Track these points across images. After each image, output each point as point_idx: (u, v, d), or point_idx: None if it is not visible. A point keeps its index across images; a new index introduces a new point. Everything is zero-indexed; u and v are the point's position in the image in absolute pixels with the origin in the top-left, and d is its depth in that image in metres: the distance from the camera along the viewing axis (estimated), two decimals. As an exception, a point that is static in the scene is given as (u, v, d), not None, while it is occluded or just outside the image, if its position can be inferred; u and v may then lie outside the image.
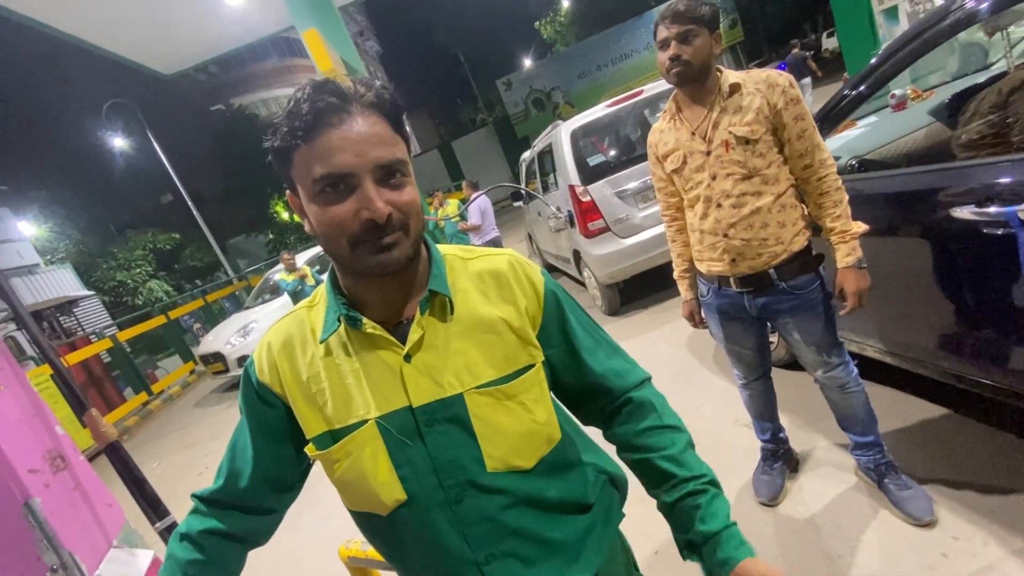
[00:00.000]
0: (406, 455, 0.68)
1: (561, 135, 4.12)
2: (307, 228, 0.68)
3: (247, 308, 8.42)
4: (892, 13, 6.42)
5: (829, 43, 20.03)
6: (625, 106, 4.09)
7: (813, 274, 1.51)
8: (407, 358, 0.67)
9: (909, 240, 1.65)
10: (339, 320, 0.69)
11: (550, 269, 6.82)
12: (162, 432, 6.87)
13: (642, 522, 1.47)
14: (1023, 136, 1.67)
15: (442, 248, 0.77)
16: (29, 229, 17.38)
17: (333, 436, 0.70)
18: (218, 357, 7.24)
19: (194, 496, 0.80)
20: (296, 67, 32.54)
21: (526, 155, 5.96)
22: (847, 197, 1.45)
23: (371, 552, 1.26)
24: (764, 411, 1.87)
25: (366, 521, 0.75)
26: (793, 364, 2.47)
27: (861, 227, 1.44)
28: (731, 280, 1.57)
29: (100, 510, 1.05)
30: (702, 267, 1.63)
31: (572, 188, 3.97)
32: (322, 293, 0.75)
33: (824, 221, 1.46)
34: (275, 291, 7.70)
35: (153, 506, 1.09)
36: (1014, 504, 1.52)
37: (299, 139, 0.60)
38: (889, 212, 1.68)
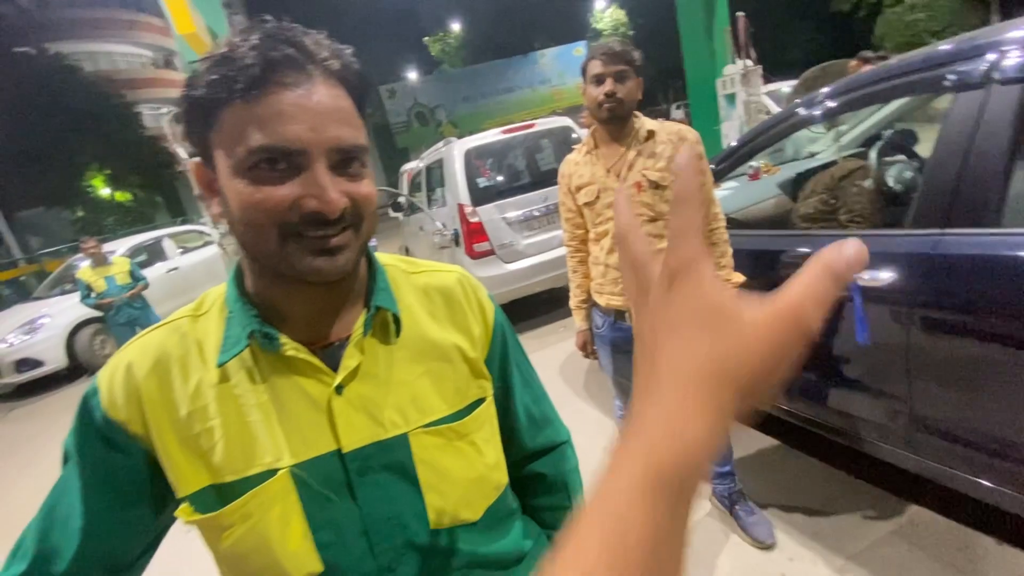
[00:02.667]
0: (328, 515, 0.53)
1: (455, 152, 4.08)
2: (213, 211, 0.51)
3: (37, 299, 6.80)
4: (731, 99, 7.66)
5: (677, 115, 23.27)
6: (518, 135, 4.20)
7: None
8: (339, 389, 0.54)
9: (760, 294, 1.90)
10: (248, 338, 0.52)
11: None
12: None
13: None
14: (848, 215, 2.03)
15: (381, 257, 0.64)
16: None
17: (222, 493, 0.52)
18: (-17, 359, 5.67)
19: None
20: (141, 24, 27.99)
21: (410, 166, 5.81)
22: (731, 250, 1.61)
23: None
24: (639, 442, 1.97)
25: None
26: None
27: (740, 277, 1.61)
28: (627, 315, 1.63)
29: None
30: (601, 300, 1.67)
31: (461, 207, 3.93)
32: (215, 298, 0.57)
33: (711, 268, 1.60)
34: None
35: None
36: (836, 525, 1.78)
37: (236, 93, 0.45)
38: (746, 266, 1.92)
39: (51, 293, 6.68)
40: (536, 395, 0.74)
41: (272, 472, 0.52)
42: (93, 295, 4.64)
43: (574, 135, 4.42)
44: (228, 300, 0.55)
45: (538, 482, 0.74)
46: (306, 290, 0.52)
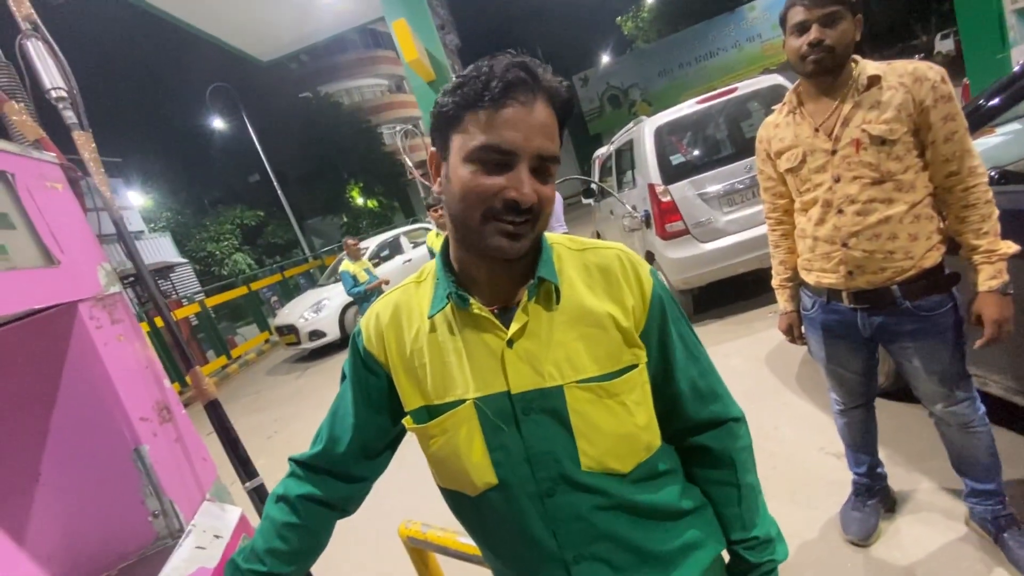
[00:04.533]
0: (500, 440, 0.67)
1: (644, 131, 3.97)
2: (436, 188, 0.68)
3: (320, 286, 8.85)
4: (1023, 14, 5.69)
5: (943, 46, 18.19)
6: (716, 104, 3.88)
7: (946, 295, 1.34)
8: (509, 343, 0.66)
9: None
10: (447, 298, 0.68)
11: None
12: (236, 395, 7.36)
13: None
14: None
15: (550, 236, 0.74)
16: (137, 199, 19.20)
17: (430, 412, 0.70)
18: (291, 329, 7.67)
19: (291, 460, 0.81)
20: (379, 58, 33.74)
21: (601, 151, 5.83)
22: (997, 212, 1.26)
23: (430, 534, 1.25)
24: (862, 442, 1.70)
25: (455, 500, 0.75)
26: (894, 393, 2.24)
27: (1012, 247, 1.25)
28: (844, 295, 1.42)
29: (196, 463, 1.10)
30: (810, 278, 1.49)
31: (652, 187, 3.82)
32: (431, 269, 0.75)
33: (966, 237, 1.28)
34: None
35: (244, 466, 1.13)
36: None
37: (482, 103, 0.59)
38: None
39: (328, 281, 8.65)
40: (703, 369, 0.75)
41: (461, 401, 0.67)
42: (360, 285, 5.87)
43: (786, 96, 3.88)
44: (437, 269, 0.72)
45: (704, 455, 0.75)
46: (491, 263, 0.66)
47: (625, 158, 4.62)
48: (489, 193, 0.60)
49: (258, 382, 7.80)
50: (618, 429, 0.67)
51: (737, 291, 4.23)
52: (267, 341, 10.79)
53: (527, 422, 0.66)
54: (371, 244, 8.33)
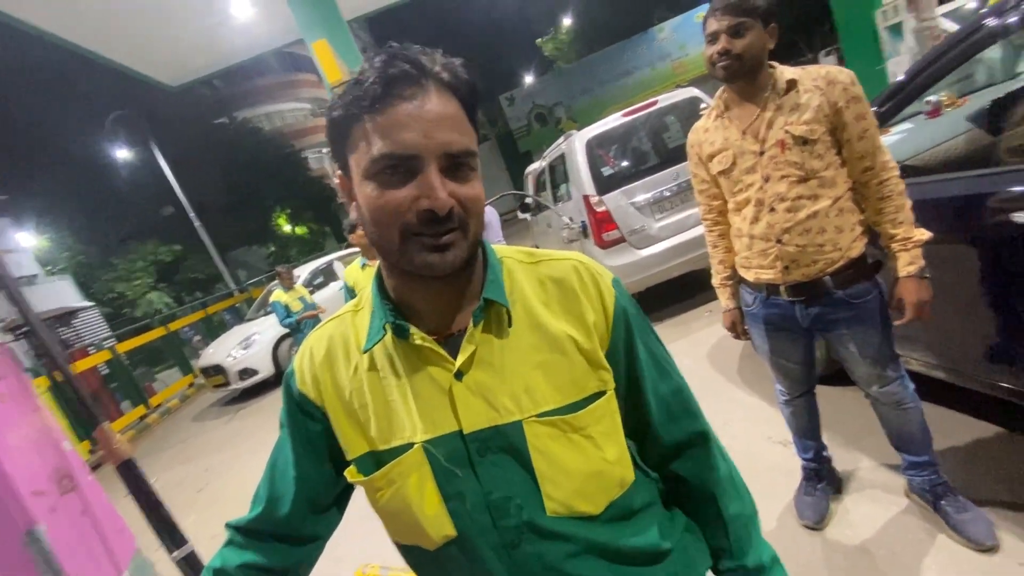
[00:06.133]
0: (455, 487, 0.59)
1: (575, 145, 4.07)
2: (352, 214, 0.59)
3: (248, 320, 8.30)
4: (896, 30, 6.43)
5: (827, 61, 20.24)
6: (640, 116, 4.04)
7: (871, 283, 1.42)
8: (458, 376, 0.59)
9: (962, 248, 1.57)
10: (384, 328, 0.60)
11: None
12: (160, 446, 6.70)
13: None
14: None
15: (499, 249, 0.67)
16: (30, 239, 17.29)
17: (376, 459, 0.62)
18: (219, 370, 7.11)
19: (229, 526, 0.71)
20: (300, 81, 32.82)
21: (533, 167, 5.92)
22: (910, 203, 1.37)
23: (393, 578, 1.16)
24: (807, 429, 1.77)
25: (412, 555, 0.66)
26: (829, 378, 2.37)
27: (925, 234, 1.35)
28: (782, 289, 1.48)
29: (110, 536, 0.95)
30: (749, 275, 1.54)
31: (587, 198, 3.91)
32: (368, 296, 0.66)
33: (884, 227, 1.38)
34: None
35: (170, 532, 0.98)
36: (1087, 530, 1.42)
37: (363, 109, 0.52)
38: (939, 218, 1.60)
39: (257, 315, 8.13)
40: (675, 386, 0.68)
41: (409, 445, 0.59)
42: (293, 314, 5.54)
43: (703, 105, 4.12)
44: (372, 297, 0.64)
45: (682, 486, 0.70)
46: (427, 284, 0.58)
47: (558, 172, 4.71)
48: (401, 208, 0.52)
49: (183, 430, 7.14)
50: (586, 467, 0.60)
51: (674, 294, 4.39)
52: (191, 385, 9.94)
53: (484, 464, 0.58)
54: (303, 272, 7.94)
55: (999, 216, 1.40)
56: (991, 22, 1.49)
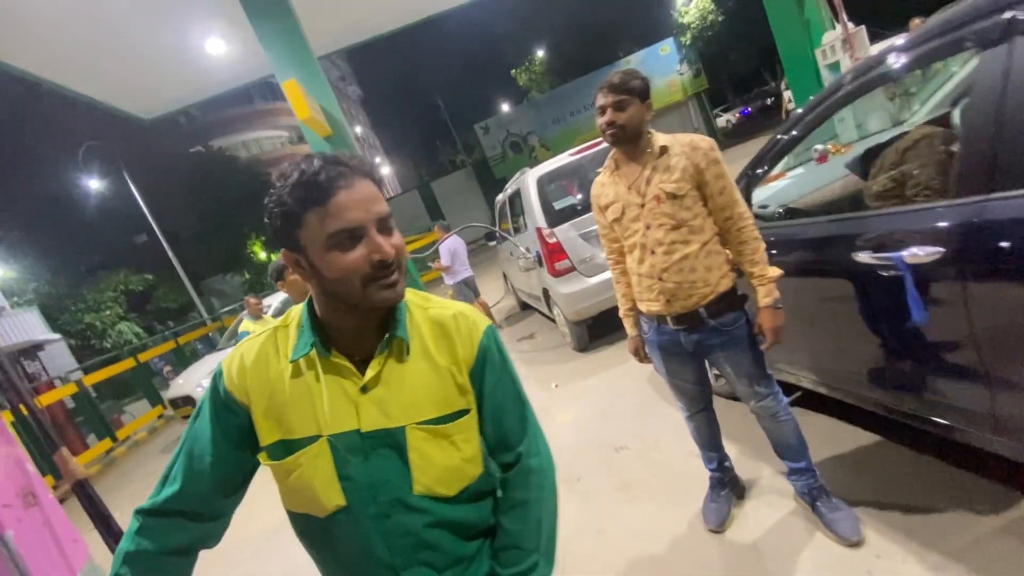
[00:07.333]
0: (348, 470, 0.78)
1: (528, 181, 4.36)
2: (303, 277, 0.77)
3: (220, 349, 8.32)
4: (835, 67, 6.99)
5: (788, 93, 21.33)
6: (587, 154, 4.35)
7: (738, 312, 1.68)
8: (364, 389, 0.78)
9: (828, 281, 1.84)
10: (311, 346, 0.78)
11: (524, 307, 6.94)
12: (126, 479, 6.63)
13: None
14: (914, 190, 1.91)
15: (406, 295, 0.85)
16: (-5, 271, 16.92)
17: (286, 447, 0.79)
18: (188, 401, 7.12)
19: (139, 512, 0.82)
20: (277, 110, 33.06)
21: (500, 197, 6.20)
22: (763, 245, 1.63)
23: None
24: (709, 441, 2.00)
25: (302, 523, 0.84)
26: (742, 396, 2.61)
27: (776, 272, 1.62)
28: (667, 319, 1.72)
29: (67, 545, 1.11)
30: (643, 307, 1.79)
31: (539, 230, 4.17)
32: (296, 315, 0.84)
33: (745, 266, 1.64)
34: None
35: (119, 542, 1.15)
36: (932, 522, 1.66)
37: (315, 202, 0.70)
38: (810, 255, 1.87)
39: (230, 343, 8.17)
40: (511, 418, 0.88)
41: (317, 437, 0.78)
42: None
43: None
44: (302, 319, 0.81)
45: (503, 489, 0.90)
46: (361, 319, 0.78)
47: (516, 204, 4.98)
48: (358, 264, 0.71)
49: (152, 462, 7.07)
50: (447, 462, 0.81)
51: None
52: (160, 416, 9.82)
53: (372, 455, 0.78)
54: (274, 301, 8.01)
55: (848, 255, 1.66)
56: (846, 83, 1.74)
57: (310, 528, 0.84)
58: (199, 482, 0.81)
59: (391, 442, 0.79)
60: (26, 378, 9.61)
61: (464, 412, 0.83)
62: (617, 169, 1.72)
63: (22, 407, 1.21)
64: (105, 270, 20.32)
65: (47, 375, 10.11)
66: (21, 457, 1.10)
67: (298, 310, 0.84)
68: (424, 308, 0.86)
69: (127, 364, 9.97)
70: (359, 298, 0.73)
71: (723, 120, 25.84)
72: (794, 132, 2.02)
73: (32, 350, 10.64)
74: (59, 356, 11.55)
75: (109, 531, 1.19)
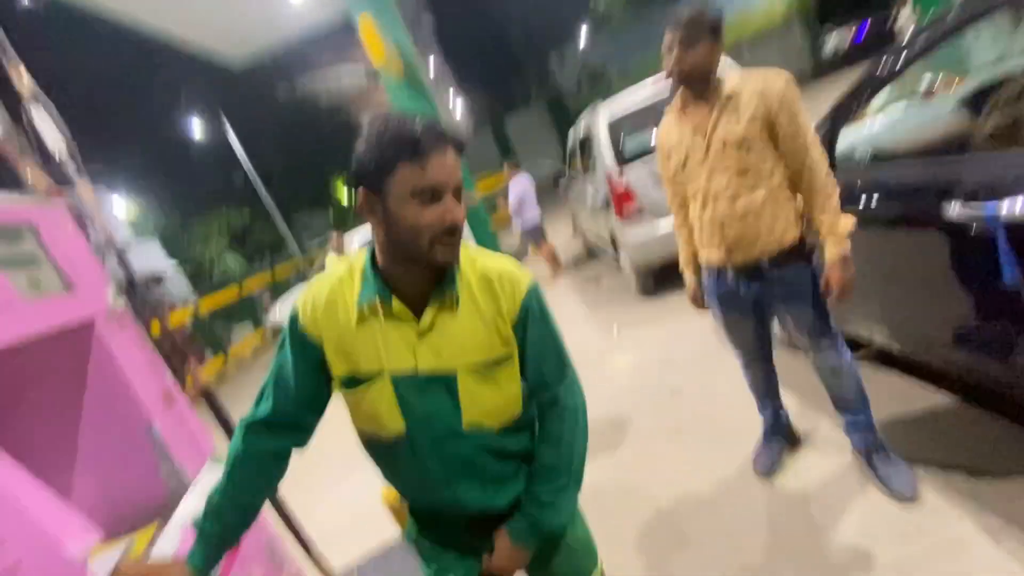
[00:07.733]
0: (407, 402, 0.92)
1: (598, 118, 4.21)
2: (373, 221, 0.85)
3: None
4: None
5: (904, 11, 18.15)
6: (662, 85, 4.09)
7: (803, 264, 1.62)
8: (420, 334, 0.90)
9: (915, 233, 1.70)
10: (376, 295, 0.88)
11: (591, 252, 6.90)
12: (236, 391, 7.64)
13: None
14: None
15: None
16: (120, 204, 19.20)
17: (354, 379, 0.92)
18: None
19: (244, 423, 0.97)
20: (354, 43, 33.26)
21: (570, 135, 6.02)
22: (837, 193, 1.54)
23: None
24: (764, 390, 2.01)
25: (369, 440, 0.99)
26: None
27: (848, 226, 1.53)
28: (728, 269, 1.70)
29: (199, 437, 1.39)
30: (703, 256, 1.77)
31: (608, 174, 4.08)
32: (361, 264, 0.92)
33: (814, 215, 1.56)
34: (334, 267, 8.18)
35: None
36: (998, 487, 1.60)
37: (411, 157, 0.79)
38: (898, 203, 1.72)
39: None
40: (551, 366, 0.98)
41: (381, 372, 0.91)
42: None
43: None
44: (366, 269, 0.91)
45: (540, 427, 1.02)
46: (421, 274, 0.88)
47: (587, 145, 4.85)
48: (433, 223, 0.81)
49: (257, 380, 8.05)
50: (492, 400, 0.94)
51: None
52: (264, 336, 11.06)
53: (428, 391, 0.91)
54: (355, 239, 8.47)
55: (939, 205, 1.51)
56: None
57: (375, 446, 1.00)
58: (287, 400, 0.95)
59: (444, 381, 0.91)
60: (154, 303, 11.14)
61: (507, 357, 0.94)
62: (683, 109, 1.66)
63: (155, 325, 1.48)
64: (208, 208, 22.38)
65: (171, 299, 11.63)
66: (161, 366, 1.36)
67: (361, 258, 0.93)
68: (473, 263, 0.94)
69: (232, 292, 11.23)
70: (422, 253, 0.82)
71: (831, 44, 22.56)
72: (897, 61, 1.79)
73: (157, 278, 12.21)
74: (178, 284, 13.16)
75: (229, 431, 1.46)
